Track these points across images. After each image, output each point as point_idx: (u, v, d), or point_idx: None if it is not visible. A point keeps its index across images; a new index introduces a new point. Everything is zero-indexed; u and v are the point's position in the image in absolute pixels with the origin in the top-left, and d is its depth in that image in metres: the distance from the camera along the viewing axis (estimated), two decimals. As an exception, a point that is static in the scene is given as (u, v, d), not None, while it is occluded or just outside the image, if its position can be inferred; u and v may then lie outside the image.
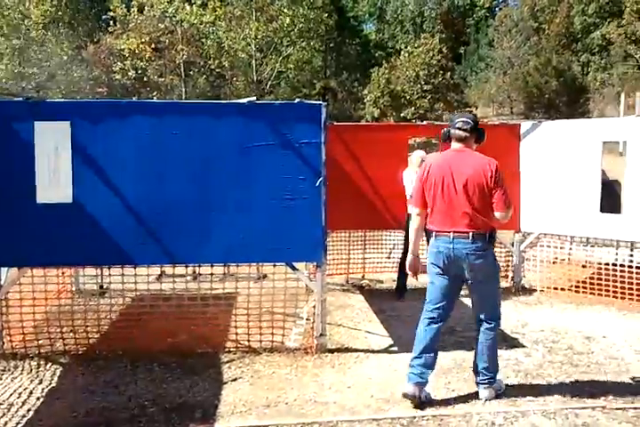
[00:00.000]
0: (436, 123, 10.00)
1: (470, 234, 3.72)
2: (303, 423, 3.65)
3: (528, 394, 3.99)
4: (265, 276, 6.31)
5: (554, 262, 7.30)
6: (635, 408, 3.71)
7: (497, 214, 3.77)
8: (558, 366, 4.58)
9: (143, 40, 22.21)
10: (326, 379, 4.35)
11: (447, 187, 3.77)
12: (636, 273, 6.31)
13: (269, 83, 23.77)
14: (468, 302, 6.53)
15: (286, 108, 4.82)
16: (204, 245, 4.68)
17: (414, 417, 3.67)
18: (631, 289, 6.30)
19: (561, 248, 7.18)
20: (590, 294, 6.64)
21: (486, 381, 3.94)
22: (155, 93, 22.54)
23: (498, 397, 3.95)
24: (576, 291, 6.75)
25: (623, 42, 22.83)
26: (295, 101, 4.78)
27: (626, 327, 5.64)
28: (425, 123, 8.11)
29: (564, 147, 6.88)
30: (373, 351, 4.97)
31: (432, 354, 3.91)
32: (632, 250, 7.25)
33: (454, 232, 3.75)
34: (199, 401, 3.98)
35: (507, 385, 4.10)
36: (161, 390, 4.15)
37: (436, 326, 3.92)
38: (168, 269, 6.17)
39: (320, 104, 4.71)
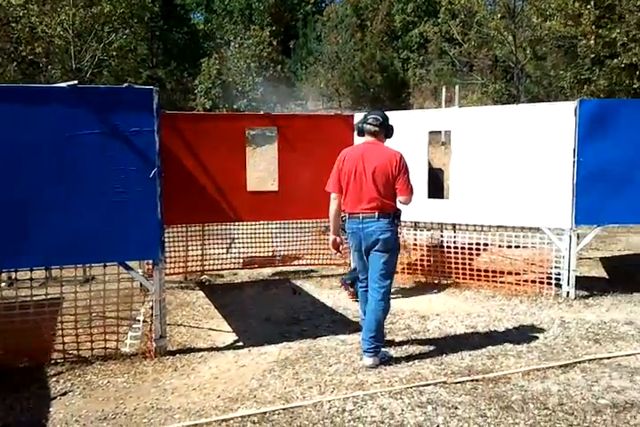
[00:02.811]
0: (275, 113, 9.92)
1: (376, 214, 4.25)
2: (146, 434, 3.38)
3: (374, 376, 4.07)
4: (93, 278, 5.82)
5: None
6: (472, 381, 3.93)
7: (401, 198, 4.33)
8: (399, 345, 4.75)
9: (-60, 23, 19.61)
10: (169, 383, 4.09)
11: (359, 174, 4.29)
12: (461, 253, 6.78)
13: (90, 71, 22.06)
14: (312, 291, 6.66)
15: (113, 93, 4.40)
16: (21, 248, 4.15)
17: (265, 413, 3.56)
18: (457, 269, 6.76)
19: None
20: (421, 275, 7.03)
21: (372, 350, 4.28)
22: (-44, 81, 20.00)
23: (382, 364, 4.27)
24: (408, 273, 7.09)
25: (439, 40, 24.51)
26: (123, 86, 4.39)
27: (454, 304, 6.03)
28: (262, 113, 7.98)
29: (394, 136, 7.15)
30: (218, 349, 4.79)
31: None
32: (455, 232, 7.79)
33: (362, 213, 4.27)
34: (24, 422, 3.54)
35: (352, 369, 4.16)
36: (-24, 414, 3.63)
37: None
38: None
39: (151, 89, 4.37)
